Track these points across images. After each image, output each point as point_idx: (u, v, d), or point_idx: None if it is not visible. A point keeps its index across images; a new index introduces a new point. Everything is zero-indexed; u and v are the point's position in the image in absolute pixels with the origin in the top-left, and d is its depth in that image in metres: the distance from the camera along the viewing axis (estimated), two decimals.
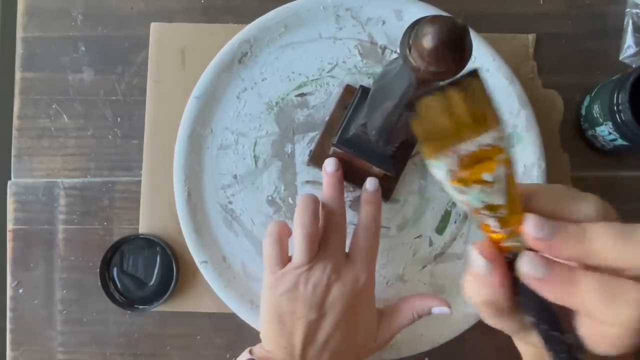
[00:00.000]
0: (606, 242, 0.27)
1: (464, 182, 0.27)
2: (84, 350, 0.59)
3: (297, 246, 0.47)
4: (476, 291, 0.30)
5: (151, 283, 0.58)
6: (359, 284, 0.48)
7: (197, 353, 0.59)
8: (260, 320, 0.49)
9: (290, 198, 0.57)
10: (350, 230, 0.51)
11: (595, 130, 0.57)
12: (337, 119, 0.55)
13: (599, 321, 0.27)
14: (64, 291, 0.60)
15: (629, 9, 0.60)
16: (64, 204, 0.60)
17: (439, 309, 0.50)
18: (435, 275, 0.57)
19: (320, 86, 0.58)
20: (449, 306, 0.50)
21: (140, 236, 0.59)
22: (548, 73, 0.61)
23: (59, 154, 0.61)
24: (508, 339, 0.35)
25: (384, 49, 0.58)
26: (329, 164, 0.52)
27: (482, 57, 0.56)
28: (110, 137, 0.61)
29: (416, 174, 0.57)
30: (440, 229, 0.57)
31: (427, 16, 0.28)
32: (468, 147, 0.27)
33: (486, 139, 0.27)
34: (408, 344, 0.55)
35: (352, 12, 0.58)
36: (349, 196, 0.57)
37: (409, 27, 0.29)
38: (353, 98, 0.52)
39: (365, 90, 0.52)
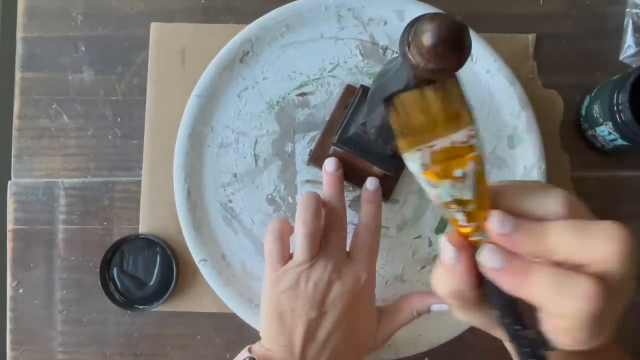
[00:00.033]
0: (564, 239, 0.27)
1: (435, 176, 0.28)
2: (84, 350, 0.59)
3: (299, 244, 0.47)
4: (444, 281, 0.31)
5: (151, 283, 0.58)
6: (360, 282, 0.48)
7: (197, 353, 0.59)
8: (260, 318, 0.49)
9: (290, 197, 0.57)
10: (350, 229, 0.51)
11: (595, 130, 0.57)
12: (337, 119, 0.55)
13: (553, 314, 0.28)
14: (64, 291, 0.60)
15: (629, 9, 0.61)
16: (64, 204, 0.60)
17: (438, 307, 0.51)
18: None
19: (321, 86, 0.58)
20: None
21: (140, 236, 0.59)
22: (548, 73, 0.61)
23: (59, 154, 0.61)
24: None
25: (385, 49, 0.58)
26: (329, 164, 0.52)
27: (483, 57, 0.56)
28: (110, 137, 0.61)
29: None
30: (439, 230, 0.57)
31: (426, 13, 0.28)
32: (441, 143, 0.28)
33: (459, 136, 0.28)
34: (407, 344, 0.55)
35: (354, 12, 0.58)
36: (348, 196, 0.57)
37: (408, 25, 0.29)
38: (353, 97, 0.52)
39: (365, 89, 0.52)
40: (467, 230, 0.30)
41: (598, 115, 0.56)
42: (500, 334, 0.33)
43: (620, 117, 0.53)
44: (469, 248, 0.30)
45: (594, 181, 0.60)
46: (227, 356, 0.59)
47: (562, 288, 0.27)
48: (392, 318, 0.51)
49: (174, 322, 0.59)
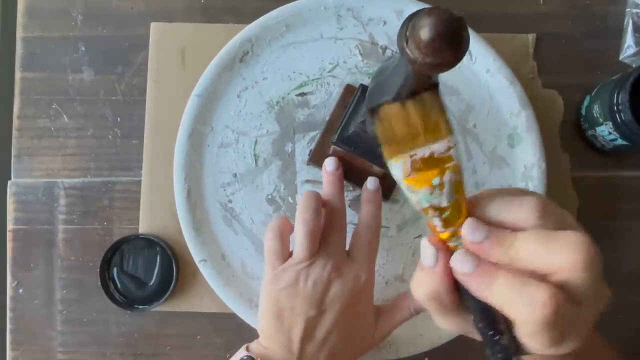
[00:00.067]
0: (529, 248, 0.29)
1: (415, 183, 0.31)
2: (84, 350, 0.59)
3: (299, 242, 0.47)
4: (422, 283, 0.32)
5: (151, 283, 0.58)
6: (360, 282, 0.48)
7: (197, 353, 0.59)
8: (259, 316, 0.49)
9: (290, 197, 0.57)
10: (350, 229, 0.51)
11: (595, 130, 0.57)
12: (337, 119, 0.55)
13: (515, 320, 0.29)
14: (64, 291, 0.60)
15: (629, 9, 0.61)
16: (64, 204, 0.60)
17: None
18: None
19: (321, 86, 0.58)
20: None
21: (140, 236, 0.59)
22: (548, 73, 0.61)
23: (59, 154, 0.61)
24: None
25: (384, 49, 0.58)
26: (329, 163, 0.52)
27: (483, 57, 0.56)
28: (110, 137, 0.61)
29: None
30: None
31: (424, 8, 0.28)
32: (421, 152, 0.31)
33: (438, 147, 0.31)
34: (408, 344, 0.55)
35: (354, 12, 0.58)
36: (348, 195, 0.57)
37: (406, 20, 0.29)
38: (353, 96, 0.52)
39: (365, 88, 0.52)
40: (444, 235, 0.32)
41: (598, 115, 0.56)
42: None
43: (620, 117, 0.53)
44: (448, 252, 0.31)
45: (594, 181, 0.60)
46: (227, 356, 0.58)
47: (519, 294, 0.28)
48: (390, 316, 0.51)
49: (174, 322, 0.59)
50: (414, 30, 0.28)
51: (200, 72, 0.57)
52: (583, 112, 0.59)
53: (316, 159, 0.56)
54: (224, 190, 0.57)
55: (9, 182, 0.61)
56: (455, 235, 0.31)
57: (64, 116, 0.61)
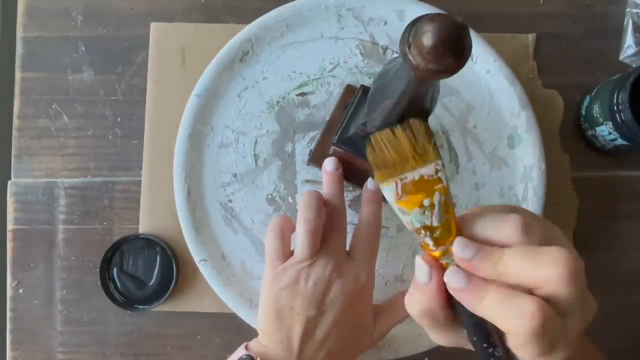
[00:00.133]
0: (515, 264, 0.30)
1: (406, 204, 0.33)
2: (84, 350, 0.59)
3: (300, 241, 0.47)
4: (416, 300, 0.34)
5: (151, 283, 0.58)
6: (360, 282, 0.48)
7: (197, 353, 0.59)
8: (259, 315, 0.49)
9: (290, 197, 0.57)
10: (350, 229, 0.51)
11: (595, 130, 0.57)
12: (337, 119, 0.55)
13: (505, 332, 0.31)
14: (64, 291, 0.60)
15: (629, 9, 0.61)
16: (64, 204, 0.60)
17: None
18: None
19: (321, 86, 0.58)
20: None
21: (140, 236, 0.59)
22: (548, 73, 0.61)
23: (59, 154, 0.61)
24: None
25: (385, 49, 0.58)
26: (329, 163, 0.52)
27: (483, 57, 0.56)
28: (110, 137, 0.61)
29: None
30: None
31: (427, 14, 0.28)
32: (411, 176, 0.33)
33: (427, 170, 0.33)
34: (407, 344, 0.55)
35: (354, 12, 0.58)
36: (348, 196, 0.57)
37: (409, 25, 0.29)
38: (353, 97, 0.52)
39: (365, 89, 0.52)
40: (436, 253, 0.33)
41: (598, 115, 0.56)
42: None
43: (620, 117, 0.53)
44: (441, 269, 0.33)
45: (594, 181, 0.60)
46: (227, 356, 0.59)
47: (508, 307, 0.30)
48: (389, 316, 0.51)
49: (174, 322, 0.59)
50: (416, 36, 0.28)
51: (200, 72, 0.57)
52: (583, 112, 0.59)
53: (316, 159, 0.56)
54: (224, 190, 0.57)
55: (9, 182, 0.61)
56: (446, 253, 0.33)
57: (64, 116, 0.61)
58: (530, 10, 0.62)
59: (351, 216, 0.54)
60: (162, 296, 0.58)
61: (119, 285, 0.59)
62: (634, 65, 0.60)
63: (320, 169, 0.53)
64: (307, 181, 0.57)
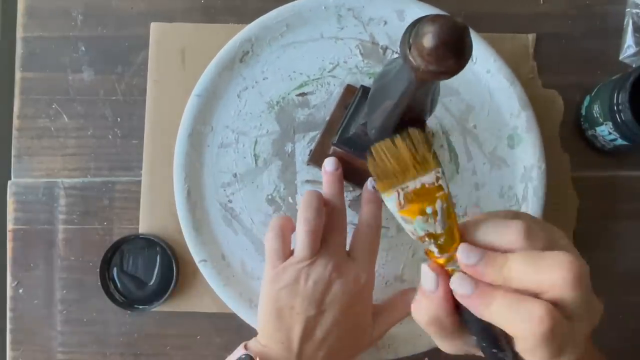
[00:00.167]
0: (520, 269, 0.31)
1: (409, 213, 0.33)
2: (84, 350, 0.59)
3: (300, 240, 0.47)
4: (423, 308, 0.34)
5: (151, 283, 0.58)
6: (360, 282, 0.48)
7: (197, 353, 0.59)
8: (258, 314, 0.49)
9: (290, 197, 0.57)
10: (350, 229, 0.51)
11: (595, 130, 0.57)
12: (337, 119, 0.55)
13: (514, 336, 0.31)
14: (64, 291, 0.60)
15: (629, 9, 0.61)
16: (64, 204, 0.60)
17: None
18: None
19: (321, 86, 0.58)
20: None
21: (140, 236, 0.59)
22: (548, 73, 0.61)
23: (59, 154, 0.61)
24: None
25: (385, 49, 0.58)
26: (329, 163, 0.52)
27: (483, 57, 0.56)
28: (110, 137, 0.61)
29: None
30: None
31: (427, 15, 0.28)
32: (412, 185, 0.33)
33: (427, 178, 0.33)
34: (407, 344, 0.55)
35: (354, 12, 0.58)
36: (348, 196, 0.57)
37: (409, 26, 0.29)
38: (354, 98, 0.52)
39: (366, 90, 0.52)
40: (441, 260, 0.33)
41: (598, 115, 0.56)
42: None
43: (620, 117, 0.53)
44: (447, 276, 0.33)
45: (594, 181, 0.60)
46: (227, 356, 0.59)
47: (517, 311, 0.30)
48: (388, 315, 0.51)
49: (174, 322, 0.59)
50: (417, 38, 0.28)
51: (200, 72, 0.57)
52: (583, 112, 0.59)
53: (316, 159, 0.56)
54: (224, 190, 0.57)
55: (9, 182, 0.61)
56: (451, 259, 0.33)
57: (64, 116, 0.61)
58: (530, 10, 0.62)
59: (351, 216, 0.54)
60: (162, 296, 0.58)
61: (119, 285, 0.59)
62: (634, 65, 0.60)
63: (320, 169, 0.53)
64: (307, 181, 0.57)
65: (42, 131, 0.61)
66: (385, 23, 0.58)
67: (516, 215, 0.34)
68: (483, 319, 0.31)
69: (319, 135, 0.57)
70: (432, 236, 0.33)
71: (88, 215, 0.60)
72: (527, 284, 0.30)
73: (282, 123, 0.58)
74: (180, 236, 0.57)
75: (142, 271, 0.59)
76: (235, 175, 0.57)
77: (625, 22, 0.61)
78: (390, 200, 0.33)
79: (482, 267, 0.31)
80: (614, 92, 0.53)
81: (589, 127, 0.58)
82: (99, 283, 0.58)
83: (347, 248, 0.50)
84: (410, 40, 0.28)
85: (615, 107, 0.53)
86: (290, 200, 0.57)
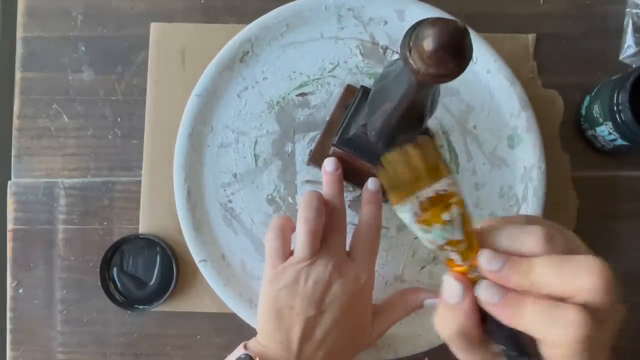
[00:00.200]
0: (547, 274, 0.30)
1: (427, 222, 0.32)
2: (84, 350, 0.59)
3: (300, 240, 0.47)
4: (449, 321, 0.32)
5: (151, 283, 0.58)
6: (360, 282, 0.48)
7: (197, 353, 0.59)
8: (258, 314, 0.49)
9: (290, 197, 0.57)
10: (350, 230, 0.51)
11: (595, 130, 0.57)
12: (337, 119, 0.55)
13: (548, 344, 0.30)
14: (64, 291, 0.60)
15: (629, 9, 0.61)
16: (64, 204, 0.60)
17: (431, 301, 0.52)
18: (434, 276, 0.57)
19: (321, 86, 0.58)
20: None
21: (140, 236, 0.59)
22: (548, 73, 0.61)
23: (59, 154, 0.61)
24: None
25: (385, 49, 0.58)
26: (329, 164, 0.52)
27: (483, 57, 0.56)
28: (110, 137, 0.61)
29: None
30: None
31: (428, 18, 0.28)
32: (426, 193, 0.32)
33: (441, 185, 0.32)
34: (407, 344, 0.55)
35: (354, 12, 0.58)
36: (348, 196, 0.57)
37: (409, 29, 0.29)
38: (354, 98, 0.52)
39: (366, 90, 0.52)
40: (463, 268, 0.32)
41: (598, 115, 0.56)
42: None
43: (620, 117, 0.53)
44: (470, 285, 0.32)
45: (594, 181, 0.60)
46: (227, 356, 0.59)
47: (552, 318, 0.29)
48: (387, 315, 0.51)
49: (174, 322, 0.59)
50: (417, 41, 0.28)
51: (200, 72, 0.57)
52: (583, 112, 0.59)
53: (316, 159, 0.56)
54: (224, 190, 0.57)
55: (9, 182, 0.61)
56: (472, 267, 0.32)
57: (64, 116, 0.61)
58: (530, 10, 0.62)
59: (351, 216, 0.54)
60: (162, 296, 0.58)
61: (119, 285, 0.59)
62: (634, 65, 0.60)
63: (320, 169, 0.53)
64: (307, 181, 0.57)
65: (42, 131, 0.61)
66: (386, 23, 0.58)
67: (530, 219, 0.33)
68: (513, 327, 0.30)
69: (319, 136, 0.57)
70: (453, 243, 0.32)
71: (88, 215, 0.60)
72: (555, 289, 0.30)
73: (282, 123, 0.58)
74: (180, 236, 0.57)
75: (142, 271, 0.59)
76: (235, 175, 0.57)
77: (625, 22, 0.61)
78: (406, 211, 0.33)
79: (506, 272, 0.31)
80: (614, 92, 0.53)
81: (589, 127, 0.58)
82: (99, 283, 0.58)
83: (347, 248, 0.50)
84: (411, 43, 0.28)
85: (615, 107, 0.53)
86: (290, 200, 0.57)
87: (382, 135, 0.44)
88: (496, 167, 0.57)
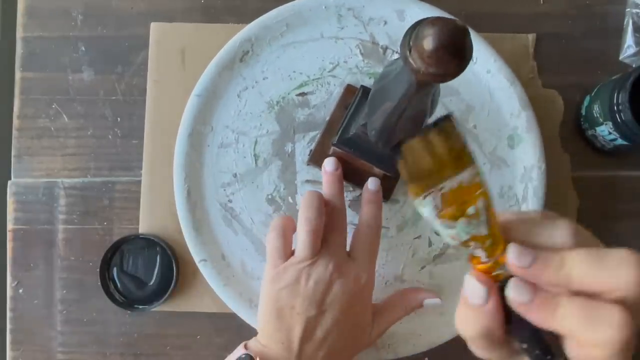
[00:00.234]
0: (582, 268, 0.28)
1: (450, 217, 0.30)
2: (84, 350, 0.59)
3: (301, 240, 0.47)
4: (473, 322, 0.31)
5: (151, 283, 0.58)
6: (360, 282, 0.48)
7: (197, 353, 0.59)
8: (259, 314, 0.49)
9: (290, 197, 0.57)
10: (350, 230, 0.51)
11: (595, 130, 0.57)
12: (337, 119, 0.55)
13: (584, 344, 0.28)
14: (64, 291, 0.60)
15: (629, 9, 0.61)
16: (64, 204, 0.60)
17: (430, 301, 0.52)
18: (434, 276, 0.57)
19: (321, 86, 0.58)
20: (440, 297, 0.52)
21: (140, 236, 0.59)
22: (548, 73, 0.61)
23: (59, 154, 0.61)
24: None
25: (385, 49, 0.58)
26: (328, 163, 0.52)
27: (483, 57, 0.56)
28: (110, 137, 0.61)
29: None
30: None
31: (428, 17, 0.28)
32: (449, 184, 0.30)
33: (465, 176, 0.30)
34: (407, 344, 0.55)
35: (354, 12, 0.58)
36: (348, 196, 0.57)
37: (409, 29, 0.29)
38: (354, 98, 0.52)
39: (366, 90, 0.52)
40: (487, 265, 0.31)
41: (598, 115, 0.56)
42: None
43: (620, 117, 0.53)
44: (495, 286, 0.30)
45: (594, 181, 0.60)
46: (227, 356, 0.59)
47: (593, 318, 0.27)
48: (387, 315, 0.51)
49: (174, 322, 0.59)
50: (417, 40, 0.28)
51: (200, 72, 0.57)
52: (583, 112, 0.59)
53: (316, 159, 0.56)
54: (224, 190, 0.57)
55: (9, 182, 0.61)
56: (498, 264, 0.30)
57: (64, 116, 0.61)
58: (530, 10, 0.62)
59: (351, 216, 0.54)
60: (162, 296, 0.58)
61: (119, 285, 0.59)
62: (634, 65, 0.60)
63: (320, 169, 0.53)
64: (307, 181, 0.57)
65: (42, 131, 0.61)
66: (386, 23, 0.58)
67: (552, 215, 0.31)
68: (545, 327, 0.29)
69: (319, 135, 0.57)
70: (478, 239, 0.30)
71: (88, 215, 0.60)
72: (589, 285, 0.28)
73: (282, 123, 0.58)
74: (180, 236, 0.57)
75: (142, 271, 0.59)
76: (235, 175, 0.57)
77: (625, 22, 0.61)
78: (426, 205, 0.30)
79: (537, 268, 0.29)
80: (614, 92, 0.53)
81: (589, 127, 0.58)
82: (99, 283, 0.58)
83: (347, 248, 0.50)
84: (411, 43, 0.28)
85: (615, 107, 0.53)
86: (290, 200, 0.57)
87: (382, 135, 0.44)
88: (496, 167, 0.57)
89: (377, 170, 0.52)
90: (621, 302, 0.27)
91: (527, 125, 0.56)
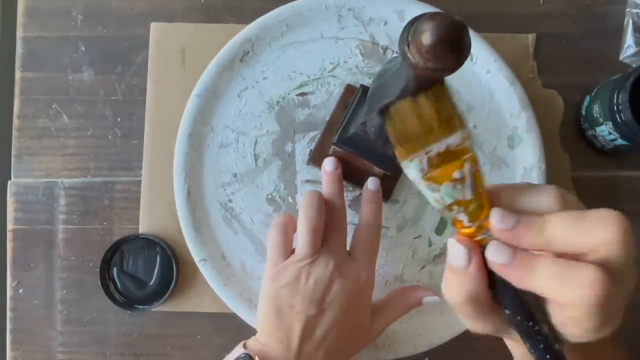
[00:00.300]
0: (562, 229, 0.28)
1: (435, 180, 0.30)
2: (84, 350, 0.59)
3: (301, 239, 0.47)
4: (458, 286, 0.31)
5: (151, 283, 0.58)
6: (360, 282, 0.48)
7: (197, 353, 0.59)
8: (258, 312, 0.49)
9: (290, 197, 0.57)
10: (350, 229, 0.51)
11: (595, 130, 0.57)
12: (337, 119, 0.55)
13: (561, 305, 0.28)
14: (64, 291, 0.60)
15: (629, 9, 0.61)
16: (64, 204, 0.60)
17: (429, 299, 0.52)
18: (434, 276, 0.57)
19: (321, 86, 0.58)
20: (439, 295, 0.52)
21: (140, 236, 0.59)
22: (548, 73, 0.61)
23: (59, 154, 0.61)
24: None
25: (385, 49, 0.58)
26: (328, 163, 0.52)
27: (483, 57, 0.56)
28: (110, 137, 0.61)
29: None
30: (439, 230, 0.57)
31: (426, 13, 0.28)
32: (437, 147, 0.30)
33: (453, 139, 0.30)
34: (406, 344, 0.55)
35: (354, 12, 0.58)
36: (348, 196, 0.57)
37: (408, 24, 0.29)
38: (353, 97, 0.52)
39: (365, 89, 0.52)
40: (470, 230, 0.31)
41: (598, 115, 0.56)
42: (508, 338, 0.33)
43: (620, 117, 0.53)
44: (478, 248, 0.31)
45: (594, 181, 0.60)
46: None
47: (567, 277, 0.27)
48: (386, 313, 0.51)
49: (174, 322, 0.59)
50: (415, 35, 0.28)
51: (200, 72, 0.57)
52: (583, 112, 0.59)
53: (316, 159, 0.56)
54: (224, 190, 0.57)
55: (9, 182, 0.61)
56: (481, 228, 0.30)
57: (64, 116, 0.61)
58: (530, 10, 0.62)
59: (351, 216, 0.54)
60: (162, 296, 0.58)
61: (119, 285, 0.59)
62: (634, 65, 0.60)
63: (320, 169, 0.53)
64: (307, 181, 0.57)
65: (42, 131, 0.61)
66: (386, 23, 0.58)
67: (538, 185, 0.31)
68: (523, 288, 0.29)
69: (319, 135, 0.57)
70: (462, 203, 0.30)
71: (88, 215, 0.60)
72: (570, 246, 0.28)
73: (282, 123, 0.58)
74: (180, 236, 0.57)
75: (142, 271, 0.59)
76: (235, 175, 0.57)
77: (625, 22, 0.61)
78: (412, 167, 0.30)
79: (519, 230, 0.29)
80: (614, 92, 0.53)
81: (589, 127, 0.58)
82: (99, 283, 0.58)
83: (348, 248, 0.50)
84: (409, 38, 0.28)
85: (615, 107, 0.53)
86: (290, 200, 0.57)
87: (381, 132, 0.43)
88: (496, 168, 0.57)
89: (377, 169, 0.52)
90: (604, 263, 0.27)
91: (527, 125, 0.56)
